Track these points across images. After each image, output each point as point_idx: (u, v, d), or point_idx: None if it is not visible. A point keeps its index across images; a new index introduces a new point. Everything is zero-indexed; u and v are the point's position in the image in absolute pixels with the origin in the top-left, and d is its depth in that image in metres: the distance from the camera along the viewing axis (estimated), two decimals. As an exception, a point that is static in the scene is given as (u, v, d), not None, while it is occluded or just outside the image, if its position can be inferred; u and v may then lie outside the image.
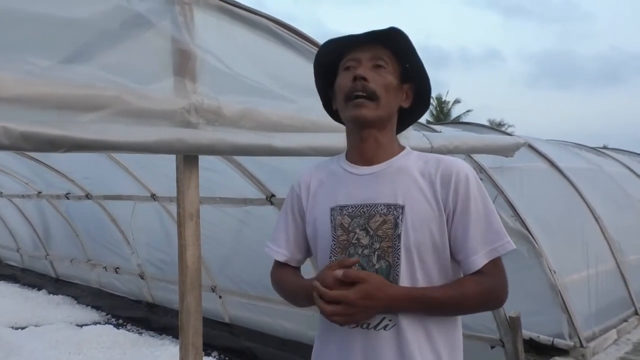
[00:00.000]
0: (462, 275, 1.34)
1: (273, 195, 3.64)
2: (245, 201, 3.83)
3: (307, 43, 2.04)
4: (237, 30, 1.87)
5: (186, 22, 1.66)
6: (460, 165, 1.32)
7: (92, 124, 1.42)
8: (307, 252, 1.53)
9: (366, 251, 1.31)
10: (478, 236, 1.27)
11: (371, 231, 1.31)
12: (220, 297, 5.08)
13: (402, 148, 1.41)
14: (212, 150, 1.65)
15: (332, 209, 1.37)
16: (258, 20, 1.91)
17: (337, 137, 2.06)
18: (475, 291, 1.26)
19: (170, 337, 5.37)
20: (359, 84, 1.29)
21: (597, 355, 4.20)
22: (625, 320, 4.89)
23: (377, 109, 1.31)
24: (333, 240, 1.35)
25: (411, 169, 1.34)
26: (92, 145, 1.39)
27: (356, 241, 1.32)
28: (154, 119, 1.56)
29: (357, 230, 1.32)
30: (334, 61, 1.41)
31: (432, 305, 1.25)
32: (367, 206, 1.33)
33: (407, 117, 1.46)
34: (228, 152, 1.70)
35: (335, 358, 1.34)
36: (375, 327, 1.29)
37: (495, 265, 1.28)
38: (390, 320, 1.28)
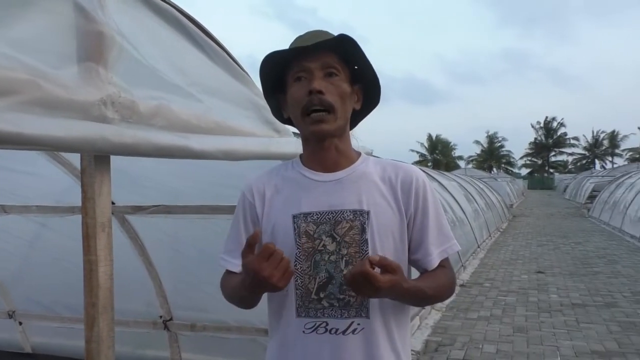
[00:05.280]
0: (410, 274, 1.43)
1: (112, 203, 3.24)
2: (74, 209, 3.33)
3: (211, 40, 1.91)
4: (146, 16, 1.65)
5: (99, 0, 1.41)
6: (417, 171, 1.41)
7: (4, 113, 1.11)
8: None
9: (333, 257, 1.31)
10: (433, 239, 1.38)
11: (338, 237, 1.31)
12: (20, 323, 4.31)
13: (358, 153, 1.43)
14: (134, 150, 1.43)
15: (294, 216, 1.33)
16: (165, 8, 1.72)
17: (243, 140, 1.98)
18: (445, 282, 1.37)
19: None
20: (315, 98, 1.28)
21: (409, 340, 4.78)
22: (423, 307, 5.66)
23: (335, 120, 1.31)
24: (297, 248, 1.32)
25: (372, 175, 1.38)
26: (7, 139, 1.09)
27: (322, 248, 1.31)
28: (69, 111, 1.29)
29: (324, 237, 1.31)
30: (280, 69, 1.36)
31: (420, 296, 1.30)
32: (333, 213, 1.33)
33: (356, 116, 1.45)
34: (148, 153, 1.49)
35: None
36: (344, 331, 1.30)
37: (447, 262, 1.41)
38: (358, 324, 1.30)
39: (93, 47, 1.40)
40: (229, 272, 1.41)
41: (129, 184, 3.28)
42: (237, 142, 1.91)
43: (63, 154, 3.24)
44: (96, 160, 1.43)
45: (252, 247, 1.20)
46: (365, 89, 1.41)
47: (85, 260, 1.45)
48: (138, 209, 3.17)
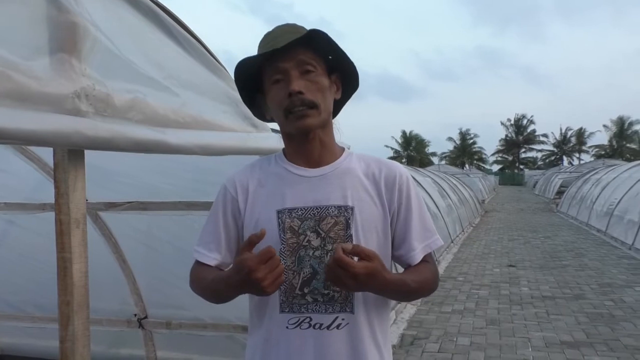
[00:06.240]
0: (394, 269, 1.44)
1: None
2: (45, 206, 3.25)
3: (187, 33, 1.88)
4: (120, 7, 1.60)
5: (72, -11, 1.37)
6: (400, 167, 1.42)
7: (-28, 105, 1.07)
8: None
9: (317, 253, 1.31)
10: (416, 234, 1.38)
11: (322, 233, 1.31)
12: (-12, 324, 4.18)
13: (342, 149, 1.43)
14: (110, 145, 1.40)
15: (279, 212, 1.32)
16: (140, -1, 1.68)
17: (220, 135, 1.96)
18: (429, 277, 1.37)
19: None
20: (297, 100, 1.27)
21: (385, 334, 4.82)
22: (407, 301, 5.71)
23: (319, 115, 1.31)
24: (282, 243, 1.31)
25: (356, 171, 1.38)
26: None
27: (307, 243, 1.31)
28: (41, 104, 1.25)
29: (308, 233, 1.31)
30: (255, 71, 1.35)
31: (404, 289, 1.30)
32: (317, 208, 1.32)
33: (337, 103, 1.44)
34: (124, 147, 1.45)
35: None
36: (328, 327, 1.29)
37: (430, 257, 1.42)
38: (343, 319, 1.30)
39: (66, 38, 1.36)
40: (200, 265, 1.39)
41: (103, 180, 3.22)
42: (214, 137, 1.88)
43: (33, 149, 3.16)
44: (70, 154, 1.39)
45: (253, 245, 1.19)
46: (343, 76, 1.40)
47: (59, 258, 1.41)
48: (111, 206, 3.10)
